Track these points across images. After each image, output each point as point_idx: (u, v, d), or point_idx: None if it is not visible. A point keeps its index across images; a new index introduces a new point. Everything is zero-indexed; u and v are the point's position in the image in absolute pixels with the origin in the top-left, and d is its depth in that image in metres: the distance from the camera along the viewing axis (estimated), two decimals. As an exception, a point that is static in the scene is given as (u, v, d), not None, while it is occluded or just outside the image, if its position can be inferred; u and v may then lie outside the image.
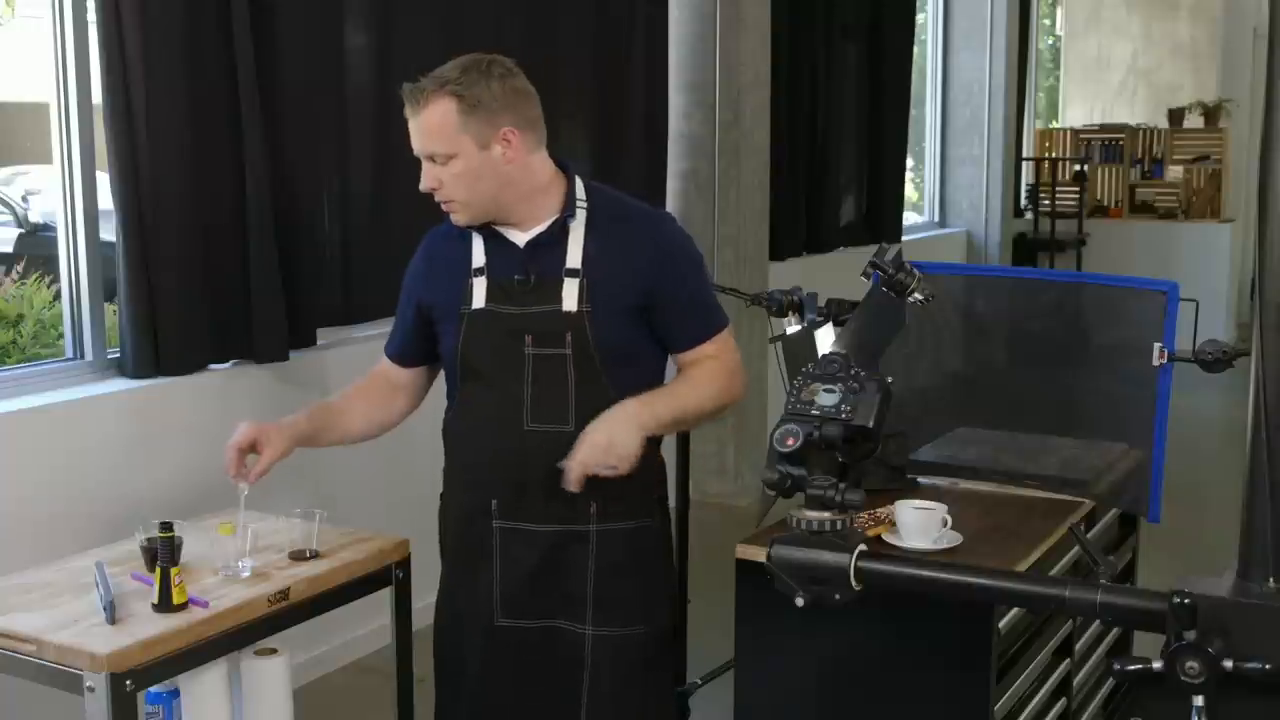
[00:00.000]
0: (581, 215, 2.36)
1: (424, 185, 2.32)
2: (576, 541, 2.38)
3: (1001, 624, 2.50)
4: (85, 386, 3.55)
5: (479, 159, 2.29)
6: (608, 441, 2.26)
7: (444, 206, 2.35)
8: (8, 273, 4.85)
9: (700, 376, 2.40)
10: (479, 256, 2.38)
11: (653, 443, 2.40)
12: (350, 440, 2.58)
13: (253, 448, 2.45)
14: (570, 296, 2.32)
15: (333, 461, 4.11)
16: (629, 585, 2.42)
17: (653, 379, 2.42)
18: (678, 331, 2.41)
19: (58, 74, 3.50)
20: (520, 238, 2.37)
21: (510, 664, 2.42)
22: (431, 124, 2.27)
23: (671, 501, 3.48)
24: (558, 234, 2.35)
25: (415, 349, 2.52)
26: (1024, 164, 10.45)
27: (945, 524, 2.59)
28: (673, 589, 2.64)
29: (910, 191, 9.09)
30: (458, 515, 2.47)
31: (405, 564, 2.60)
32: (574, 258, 2.34)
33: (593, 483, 2.30)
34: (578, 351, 2.31)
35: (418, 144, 2.31)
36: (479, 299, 2.36)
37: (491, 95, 2.29)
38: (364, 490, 4.12)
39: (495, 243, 2.38)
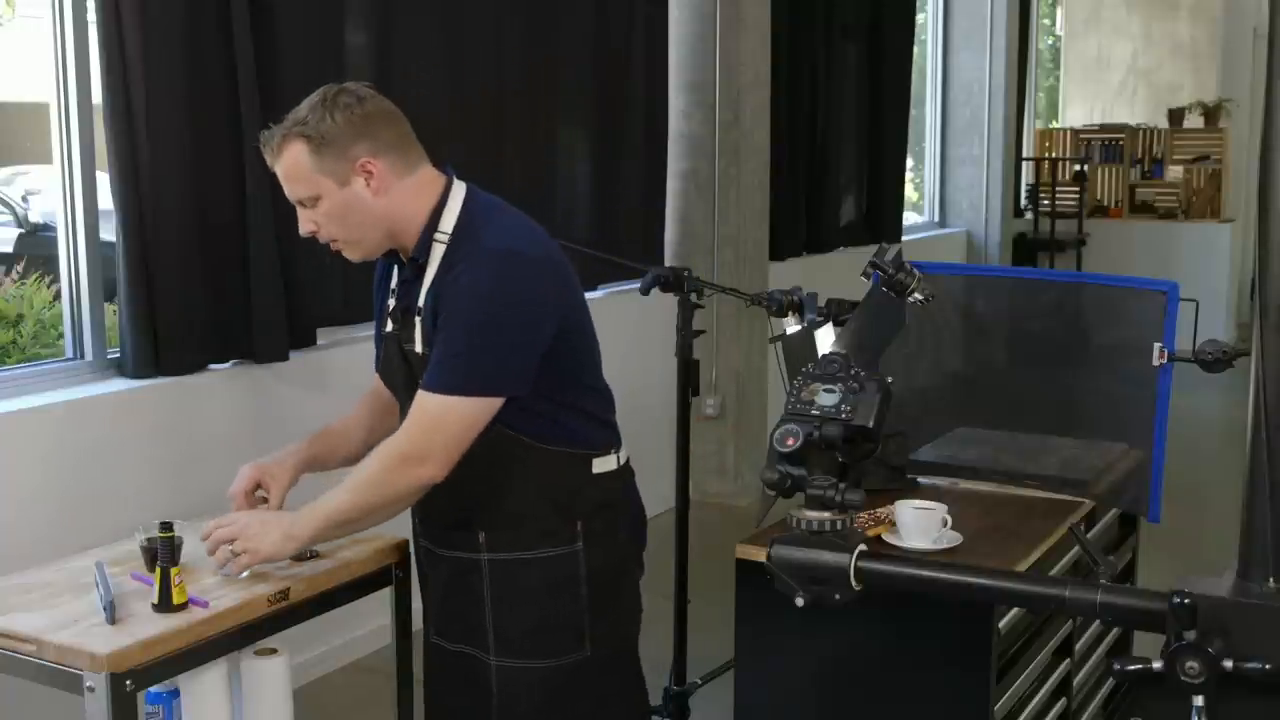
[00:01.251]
0: (438, 251, 2.22)
1: (302, 231, 2.28)
2: (472, 570, 2.33)
3: (1001, 624, 2.50)
4: (85, 386, 3.55)
5: (341, 196, 2.21)
6: (255, 533, 2.27)
7: (331, 247, 2.29)
8: (8, 273, 4.85)
9: (365, 470, 2.26)
10: (394, 278, 2.37)
11: (556, 470, 2.28)
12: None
13: (257, 487, 2.43)
14: (418, 337, 2.26)
15: (333, 461, 4.12)
16: (529, 618, 2.30)
17: (524, 416, 2.24)
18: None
19: (58, 74, 3.50)
20: (400, 271, 2.34)
21: (443, 683, 2.45)
22: (288, 169, 2.22)
23: (671, 502, 3.50)
24: (417, 270, 2.25)
25: None
26: (1024, 164, 10.45)
27: (945, 524, 2.59)
28: (609, 616, 2.36)
29: (910, 191, 9.10)
30: (413, 529, 2.53)
31: (405, 564, 2.60)
32: (422, 295, 2.24)
33: (479, 514, 2.29)
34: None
35: (285, 190, 2.27)
36: (388, 323, 2.36)
37: (338, 129, 2.18)
38: (364, 490, 4.11)
39: (401, 270, 2.35)
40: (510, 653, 2.30)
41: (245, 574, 2.29)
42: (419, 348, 2.25)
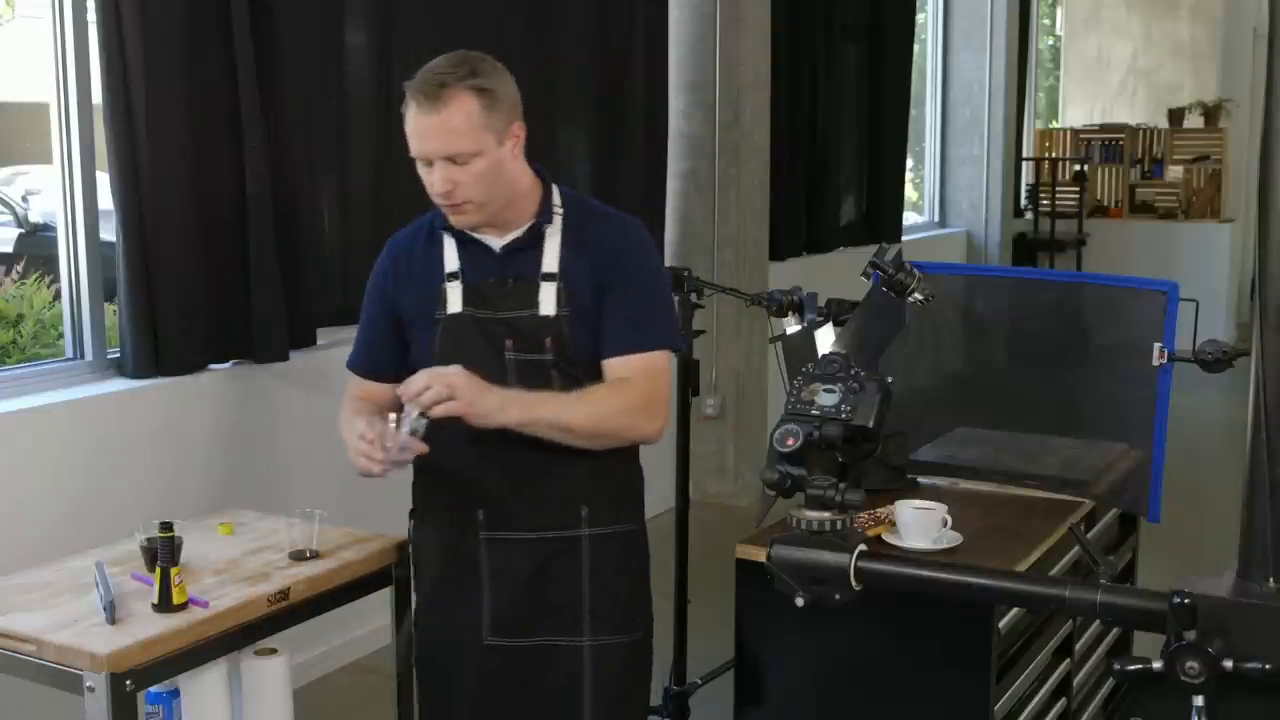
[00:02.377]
0: (558, 221, 2.31)
1: (439, 188, 2.21)
2: (568, 548, 2.33)
3: (1001, 624, 2.50)
4: (85, 386, 3.55)
5: (496, 155, 2.22)
6: (475, 387, 2.15)
7: (454, 209, 2.25)
8: (8, 273, 4.84)
9: (608, 392, 2.27)
10: (452, 261, 2.33)
11: (626, 450, 2.36)
12: None
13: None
14: (548, 301, 2.26)
15: (332, 462, 4.12)
16: (621, 591, 2.38)
17: None
18: (607, 335, 2.28)
19: (58, 74, 3.50)
20: (495, 242, 2.31)
21: (501, 686, 2.36)
22: (455, 122, 2.17)
23: (671, 502, 3.50)
24: (534, 239, 2.30)
25: (397, 361, 2.40)
26: (1024, 164, 10.45)
27: (945, 524, 2.59)
28: (650, 595, 2.50)
29: (910, 191, 9.09)
30: (440, 530, 2.41)
31: (405, 564, 2.60)
32: (550, 262, 2.28)
33: (581, 487, 2.30)
34: (559, 356, 2.26)
35: (435, 144, 2.19)
36: (454, 304, 2.30)
37: (506, 90, 2.24)
38: (364, 491, 4.11)
39: (468, 247, 2.32)
40: (603, 629, 2.34)
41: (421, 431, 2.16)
42: (548, 310, 2.26)
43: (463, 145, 2.19)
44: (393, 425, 2.18)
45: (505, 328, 2.27)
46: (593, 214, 2.37)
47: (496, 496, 2.33)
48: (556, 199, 2.33)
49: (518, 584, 2.33)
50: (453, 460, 2.31)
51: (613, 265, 2.29)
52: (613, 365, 2.28)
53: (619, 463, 2.38)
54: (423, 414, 2.15)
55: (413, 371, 2.27)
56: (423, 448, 2.17)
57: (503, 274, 2.30)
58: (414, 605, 2.51)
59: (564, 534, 2.33)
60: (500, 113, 2.22)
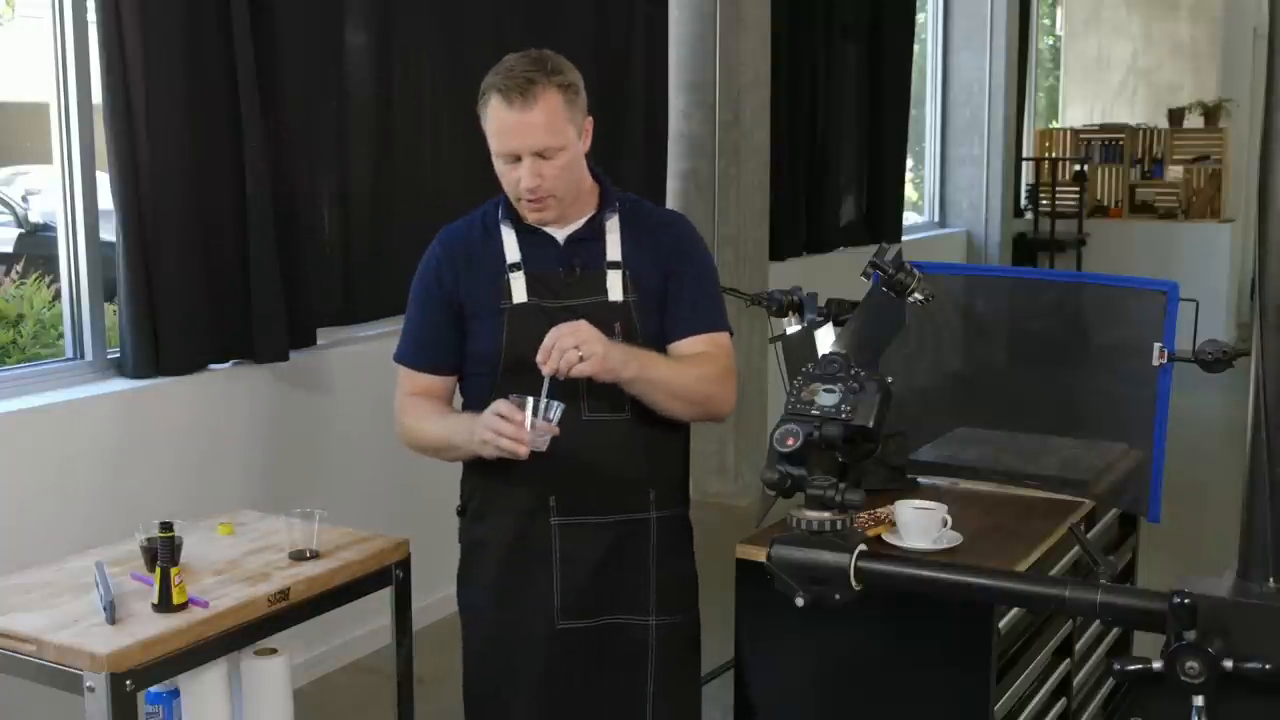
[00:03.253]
0: (617, 213, 2.40)
1: (528, 183, 2.27)
2: (638, 530, 2.40)
3: (1001, 624, 2.50)
4: (85, 386, 3.55)
5: (576, 149, 2.31)
6: (599, 340, 2.19)
7: (536, 204, 2.31)
8: (8, 273, 4.84)
9: (693, 362, 2.37)
10: (513, 252, 2.37)
11: (686, 433, 2.48)
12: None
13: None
14: (615, 287, 2.34)
15: (333, 462, 4.12)
16: (682, 570, 2.48)
17: None
18: (677, 319, 2.38)
19: (58, 74, 3.50)
20: (559, 234, 2.38)
21: (570, 668, 2.39)
22: (545, 119, 2.24)
23: (671, 501, 3.50)
24: (596, 230, 2.38)
25: (456, 353, 2.42)
26: (1024, 164, 10.45)
27: (945, 524, 2.59)
28: None
29: (910, 191, 9.09)
30: (507, 520, 2.40)
31: (405, 564, 2.60)
32: (614, 251, 2.37)
33: (649, 471, 2.39)
34: (627, 339, 2.30)
35: (527, 140, 2.25)
36: (519, 293, 2.34)
37: (580, 85, 2.32)
38: (364, 490, 4.12)
39: (529, 238, 2.37)
40: (669, 608, 2.43)
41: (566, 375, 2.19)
42: (616, 296, 2.35)
43: (552, 140, 2.26)
44: (529, 408, 2.18)
45: (574, 315, 2.28)
46: (644, 208, 2.48)
47: (569, 482, 2.36)
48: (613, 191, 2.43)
49: (588, 567, 2.38)
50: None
51: (674, 253, 2.41)
52: (687, 344, 2.38)
53: (679, 447, 2.49)
54: (553, 384, 2.17)
55: (472, 362, 2.37)
56: (557, 431, 2.20)
57: (569, 263, 2.36)
58: (465, 598, 2.48)
59: (634, 517, 2.40)
60: (579, 108, 2.31)
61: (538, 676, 2.40)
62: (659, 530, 2.42)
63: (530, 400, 2.18)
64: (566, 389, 2.23)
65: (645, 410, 2.34)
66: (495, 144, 2.29)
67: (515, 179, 2.29)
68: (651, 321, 2.36)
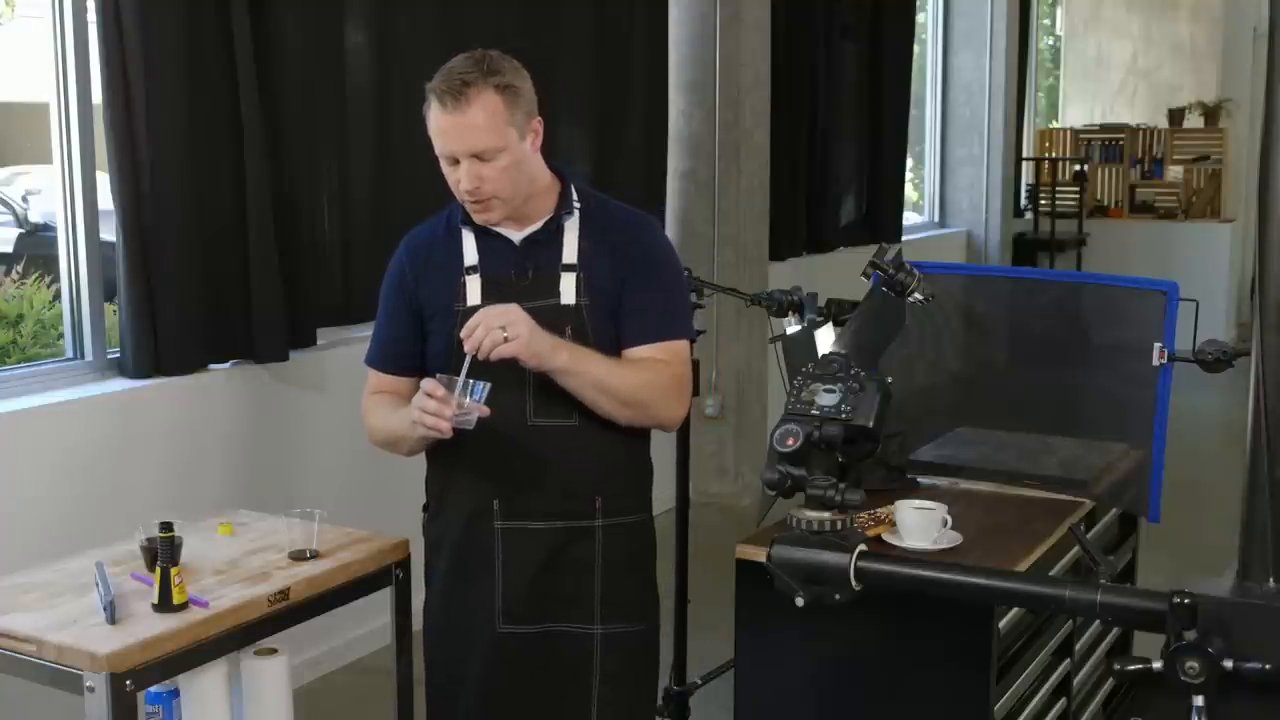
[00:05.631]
0: (576, 214, 2.38)
1: (466, 185, 2.27)
2: (582, 538, 2.37)
3: (1001, 624, 2.50)
4: (85, 386, 3.55)
5: (519, 150, 2.29)
6: (525, 323, 2.18)
7: (478, 205, 2.31)
8: (8, 273, 4.84)
9: (638, 367, 2.34)
10: (471, 255, 2.37)
11: (642, 440, 2.44)
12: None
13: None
14: (568, 290, 2.32)
15: (332, 462, 4.12)
16: (633, 581, 2.43)
17: None
18: (631, 325, 2.34)
19: (58, 74, 3.50)
20: (515, 235, 2.37)
21: (513, 672, 2.39)
22: (481, 118, 2.24)
23: (671, 501, 3.50)
24: (553, 232, 2.36)
25: (419, 356, 2.44)
26: (1024, 164, 10.45)
27: (945, 524, 2.59)
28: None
29: (910, 191, 9.09)
30: (453, 522, 2.43)
31: (405, 564, 2.60)
32: (570, 254, 2.35)
33: (595, 478, 2.34)
34: (578, 343, 2.29)
35: (462, 143, 2.25)
36: (474, 296, 2.35)
37: (526, 86, 2.32)
38: (364, 490, 4.12)
39: (487, 240, 2.37)
40: (615, 618, 2.39)
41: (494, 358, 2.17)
42: (568, 299, 2.32)
43: (488, 142, 2.25)
44: (458, 388, 2.18)
45: (535, 315, 2.26)
46: (609, 209, 2.44)
47: (513, 487, 2.36)
48: (574, 194, 2.40)
49: (531, 573, 2.37)
50: (471, 451, 2.34)
51: (633, 257, 2.37)
52: (639, 352, 2.34)
53: (632, 453, 2.44)
54: (476, 364, 2.16)
55: (429, 363, 2.36)
56: (485, 411, 2.19)
57: (523, 266, 2.35)
58: (425, 598, 2.52)
59: (578, 524, 2.37)
60: (521, 109, 2.29)
61: (481, 678, 2.40)
62: (605, 538, 2.38)
63: (458, 380, 2.17)
64: (511, 395, 2.25)
65: (596, 417, 2.32)
66: (436, 145, 2.30)
67: (455, 180, 2.30)
68: (605, 326, 2.33)
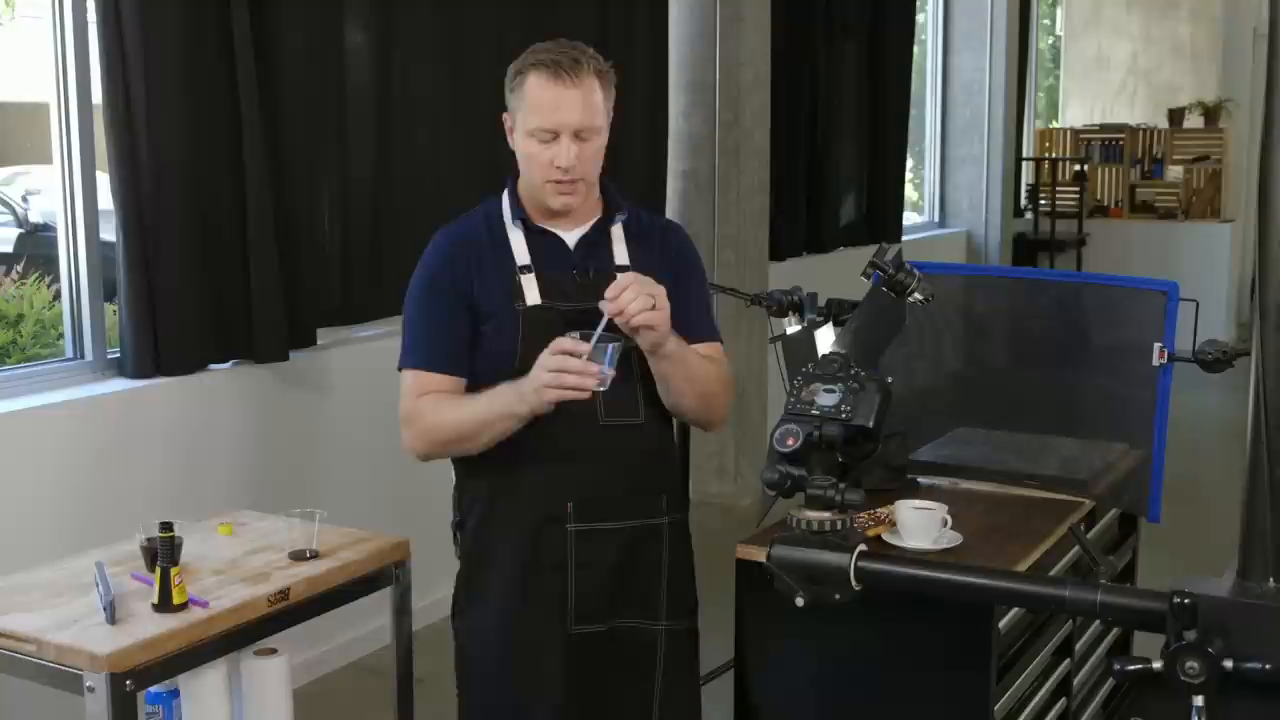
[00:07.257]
0: (622, 218, 2.40)
1: (564, 161, 2.23)
2: (651, 536, 2.40)
3: (1001, 624, 2.50)
4: (85, 386, 3.55)
5: (606, 136, 2.31)
6: (666, 299, 2.17)
7: (568, 186, 2.27)
8: (8, 273, 4.84)
9: (708, 362, 2.38)
10: (522, 253, 2.33)
11: (681, 442, 2.57)
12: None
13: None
14: None
15: (332, 462, 4.12)
16: (688, 575, 2.50)
17: None
18: (686, 324, 2.32)
19: (58, 74, 3.50)
20: (568, 236, 2.35)
21: (586, 670, 2.38)
22: (591, 98, 2.24)
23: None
24: (603, 234, 2.37)
25: (469, 355, 2.34)
26: (1024, 164, 10.45)
27: (945, 524, 2.59)
28: None
29: (910, 191, 9.09)
30: (518, 532, 2.34)
31: (405, 564, 2.60)
32: (621, 255, 2.37)
33: (660, 476, 2.41)
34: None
35: (574, 116, 2.23)
36: (532, 295, 2.30)
37: (613, 76, 2.32)
38: (364, 490, 4.12)
39: (539, 240, 2.34)
40: (678, 614, 2.44)
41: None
42: None
43: (593, 119, 2.27)
44: (594, 343, 2.11)
45: (589, 318, 2.20)
46: (644, 215, 2.48)
47: (588, 487, 2.33)
48: (620, 198, 2.42)
49: (604, 573, 2.36)
50: (537, 455, 2.29)
51: (678, 259, 2.42)
52: (697, 349, 2.36)
53: (676, 453, 2.52)
54: (613, 333, 2.12)
55: (482, 366, 2.30)
56: (613, 373, 2.14)
57: (584, 266, 2.34)
58: (469, 616, 2.42)
59: (649, 522, 2.40)
60: (611, 101, 2.32)
61: (557, 681, 2.35)
62: (671, 536, 2.43)
63: (595, 335, 2.09)
64: (582, 401, 2.17)
65: (656, 416, 2.36)
66: (534, 120, 2.24)
67: (549, 159, 2.25)
68: None
